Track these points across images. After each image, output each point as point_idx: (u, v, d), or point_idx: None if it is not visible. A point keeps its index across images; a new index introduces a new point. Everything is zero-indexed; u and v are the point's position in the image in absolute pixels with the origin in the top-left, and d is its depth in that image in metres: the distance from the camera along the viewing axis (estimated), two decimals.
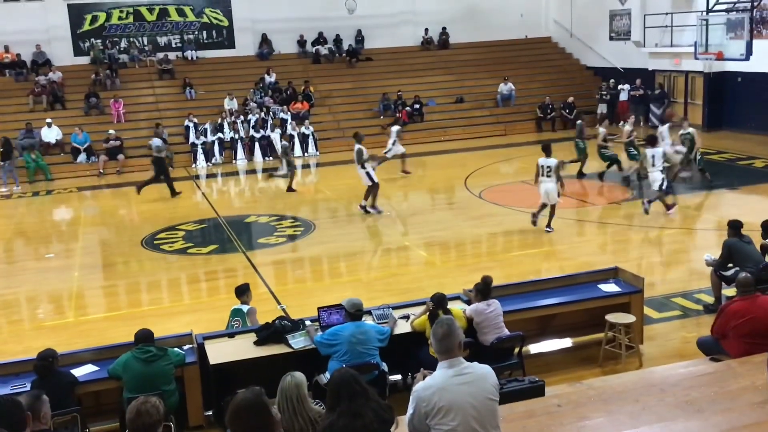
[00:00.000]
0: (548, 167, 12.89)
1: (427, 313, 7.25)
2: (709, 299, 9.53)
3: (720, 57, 19.81)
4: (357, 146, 15.31)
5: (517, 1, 30.05)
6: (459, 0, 29.37)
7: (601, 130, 17.46)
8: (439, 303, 7.23)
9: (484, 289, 7.49)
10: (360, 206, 15.48)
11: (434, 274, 11.53)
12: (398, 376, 7.78)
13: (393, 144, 19.26)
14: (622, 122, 25.61)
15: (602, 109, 25.74)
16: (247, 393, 4.18)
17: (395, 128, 19.64)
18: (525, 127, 25.81)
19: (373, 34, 28.73)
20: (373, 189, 15.32)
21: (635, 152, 16.63)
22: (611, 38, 27.85)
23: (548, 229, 13.25)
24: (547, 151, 13.09)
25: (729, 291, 9.04)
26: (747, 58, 18.98)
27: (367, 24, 28.41)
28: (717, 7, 19.65)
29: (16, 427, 4.21)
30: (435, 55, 28.96)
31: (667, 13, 24.27)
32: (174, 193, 18.37)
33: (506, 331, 7.40)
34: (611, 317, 8.00)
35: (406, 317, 7.68)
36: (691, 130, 16.52)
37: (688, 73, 24.12)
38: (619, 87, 25.89)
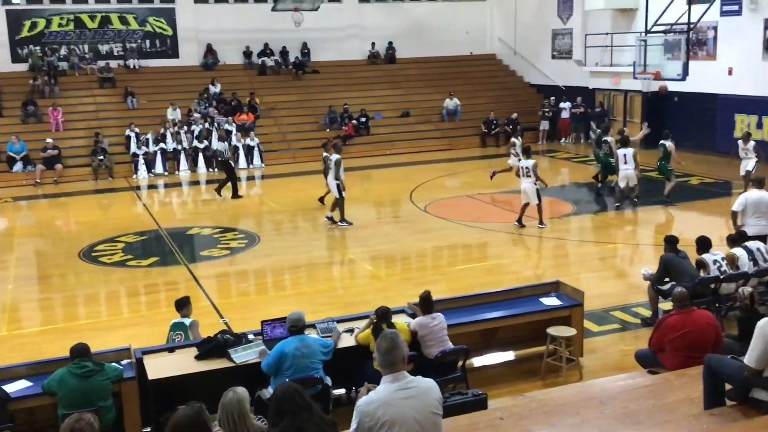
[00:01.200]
0: (526, 168, 14.24)
1: (372, 327, 7.23)
2: (647, 313, 9.76)
3: (657, 77, 20.41)
4: (336, 156, 15.08)
5: (462, 18, 30.48)
6: (405, 15, 29.65)
7: (611, 139, 17.91)
8: (383, 317, 7.21)
9: (426, 304, 7.51)
10: (327, 217, 15.45)
11: (379, 287, 11.53)
12: (342, 390, 7.73)
13: (517, 155, 18.09)
14: (564, 138, 26.31)
15: (545, 125, 26.27)
16: (187, 409, 4.11)
17: (516, 140, 18.60)
18: (469, 142, 26.12)
19: (320, 47, 28.75)
20: (340, 202, 15.16)
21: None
22: (553, 57, 28.46)
23: (541, 226, 14.43)
24: (527, 154, 14.62)
25: (666, 305, 9.28)
26: (683, 78, 19.60)
27: (313, 37, 28.41)
28: (655, 29, 20.26)
29: None
30: (381, 69, 29.12)
31: (607, 34, 24.95)
32: (236, 194, 18.53)
33: (450, 345, 7.43)
34: (553, 330, 8.12)
35: (351, 331, 7.65)
36: (668, 143, 16.87)
37: (627, 92, 24.80)
38: (561, 105, 26.44)
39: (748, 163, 15.95)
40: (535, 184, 14.14)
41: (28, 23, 25.63)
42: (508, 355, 8.77)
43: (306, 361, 6.73)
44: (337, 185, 15.01)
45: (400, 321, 7.61)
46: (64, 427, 3.97)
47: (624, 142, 16.14)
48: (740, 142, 16.57)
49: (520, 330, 8.65)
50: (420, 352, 7.35)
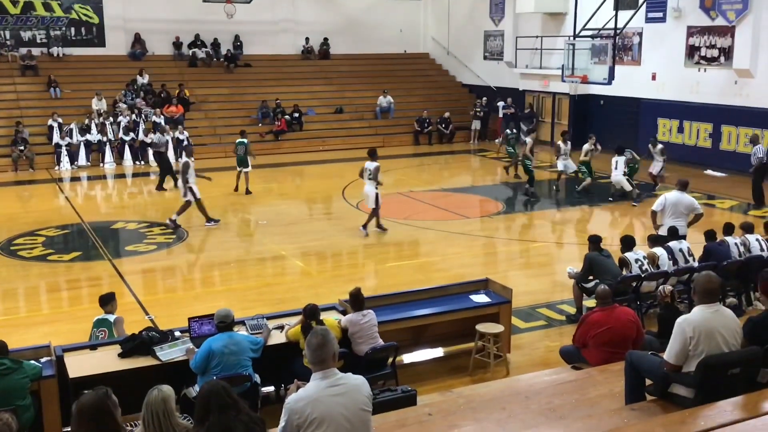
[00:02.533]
0: (369, 171, 13.66)
1: (301, 324, 7.17)
2: (571, 310, 10.00)
3: (585, 80, 20.95)
4: (184, 159, 14.76)
5: (396, 16, 30.58)
6: (340, 12, 29.55)
7: (528, 140, 18.06)
8: (311, 314, 7.16)
9: (357, 300, 7.51)
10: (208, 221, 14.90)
11: (310, 284, 11.46)
12: (271, 388, 7.66)
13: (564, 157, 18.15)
14: (497, 139, 26.71)
15: (476, 125, 26.60)
16: (91, 394, 4.05)
17: (562, 144, 18.42)
18: (403, 139, 26.24)
19: (253, 40, 28.35)
20: (187, 206, 14.64)
21: (586, 170, 17.72)
22: (485, 58, 28.86)
23: (363, 230, 13.96)
24: (372, 156, 13.86)
25: (589, 302, 9.52)
26: (609, 83, 20.18)
27: (246, 30, 28.00)
28: (583, 33, 20.78)
29: None
30: (315, 65, 28.94)
31: (537, 36, 25.44)
32: (160, 187, 18.28)
33: (380, 342, 7.44)
34: (481, 327, 8.23)
35: (281, 327, 7.58)
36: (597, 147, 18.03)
37: (555, 94, 25.36)
38: (498, 104, 26.78)
39: (656, 166, 17.53)
40: (376, 188, 13.66)
41: None
42: (437, 352, 8.85)
43: (234, 358, 6.63)
44: (189, 188, 14.54)
45: (330, 318, 7.58)
46: None
47: (619, 151, 16.86)
48: (650, 146, 17.81)
49: (449, 327, 8.73)
50: (350, 349, 7.34)
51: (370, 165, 13.72)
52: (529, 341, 9.23)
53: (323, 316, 7.34)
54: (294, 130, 25.27)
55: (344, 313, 7.85)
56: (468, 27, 29.14)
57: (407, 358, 8.57)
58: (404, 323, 8.28)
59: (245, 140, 17.73)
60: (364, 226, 14.00)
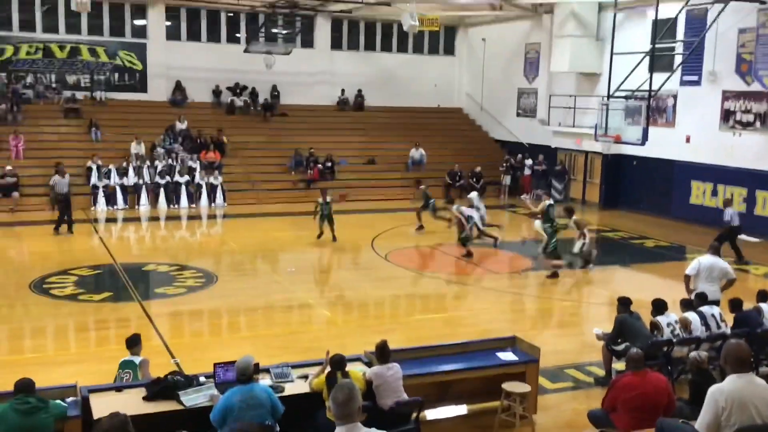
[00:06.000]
0: None
1: (326, 375, 7.12)
2: (600, 372, 9.82)
3: (618, 140, 20.93)
4: None
5: (431, 71, 31.04)
6: (376, 64, 30.09)
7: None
8: (337, 365, 7.12)
9: (383, 353, 7.45)
10: None
11: (336, 333, 11.43)
12: None
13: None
14: (524, 195, 26.67)
15: (507, 180, 26.65)
16: (110, 419, 4.05)
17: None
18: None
19: (290, 90, 28.92)
20: None
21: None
22: (518, 114, 29.06)
23: None
24: None
25: (619, 365, 9.35)
26: (643, 143, 20.14)
27: (284, 80, 28.60)
28: (617, 94, 20.85)
29: None
30: (350, 116, 29.37)
31: (571, 95, 25.58)
32: (66, 226, 18.40)
33: (405, 396, 7.36)
34: (507, 386, 8.10)
35: (305, 377, 7.54)
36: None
37: (588, 153, 25.35)
38: (526, 162, 26.88)
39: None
40: None
41: None
42: (462, 409, 8.71)
43: (253, 412, 6.46)
44: None
45: (355, 369, 7.53)
46: None
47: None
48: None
49: (474, 384, 8.60)
50: (374, 402, 7.27)
51: None
52: (557, 402, 9.06)
53: (348, 367, 7.29)
54: (326, 180, 25.50)
55: (369, 364, 7.80)
56: (502, 84, 29.43)
57: (431, 414, 8.44)
58: (429, 378, 8.18)
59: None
60: None
